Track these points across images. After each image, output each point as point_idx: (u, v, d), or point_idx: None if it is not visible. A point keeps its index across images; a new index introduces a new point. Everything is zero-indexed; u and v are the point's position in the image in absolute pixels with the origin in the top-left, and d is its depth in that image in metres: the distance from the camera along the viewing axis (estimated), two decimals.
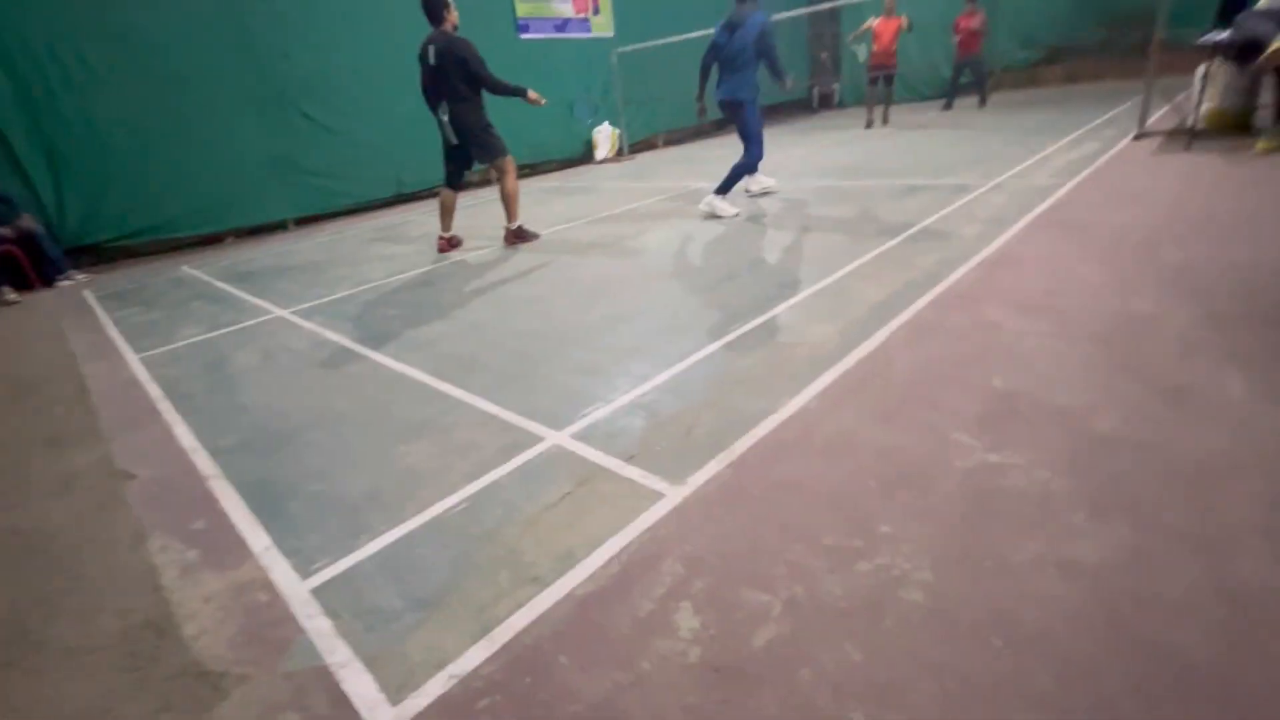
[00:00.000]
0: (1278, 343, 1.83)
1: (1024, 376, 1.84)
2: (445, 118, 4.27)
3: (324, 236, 6.38)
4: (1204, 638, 0.99)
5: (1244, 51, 4.05)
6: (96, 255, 6.12)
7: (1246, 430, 1.47)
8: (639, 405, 2.00)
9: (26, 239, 5.31)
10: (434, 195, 7.85)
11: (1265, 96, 4.60)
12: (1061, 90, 10.16)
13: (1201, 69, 4.75)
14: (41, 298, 5.11)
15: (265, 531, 1.62)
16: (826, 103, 13.62)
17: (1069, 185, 4.01)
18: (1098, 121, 6.39)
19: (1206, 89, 4.76)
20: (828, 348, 2.21)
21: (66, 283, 5.48)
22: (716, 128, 12.02)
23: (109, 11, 5.72)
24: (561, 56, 9.18)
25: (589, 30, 9.42)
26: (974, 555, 1.22)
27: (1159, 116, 5.72)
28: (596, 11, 9.46)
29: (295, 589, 1.39)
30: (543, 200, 6.66)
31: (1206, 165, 4.03)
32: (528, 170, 9.15)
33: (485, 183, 8.40)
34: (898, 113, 9.60)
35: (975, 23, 8.50)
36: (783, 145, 8.51)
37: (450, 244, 4.73)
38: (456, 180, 4.63)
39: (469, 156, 4.51)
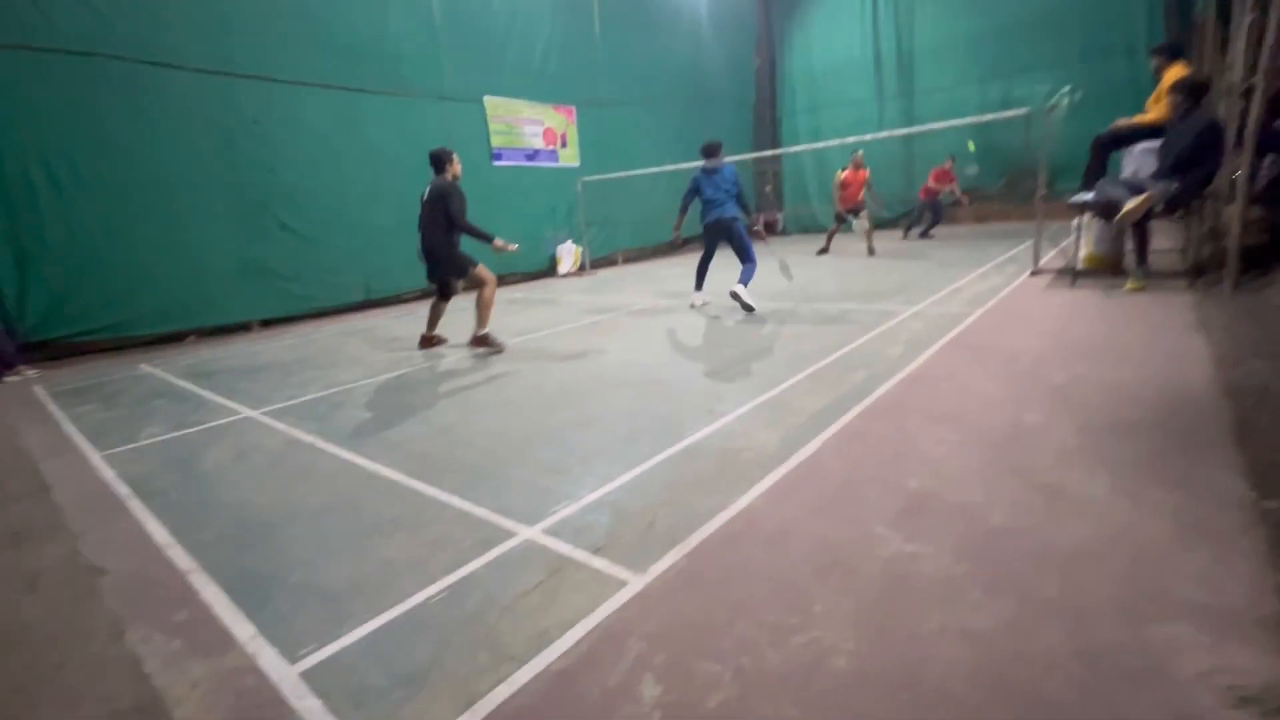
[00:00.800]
0: (1135, 451, 2.22)
1: (934, 478, 2.15)
2: (418, 246, 4.91)
3: (290, 338, 6.52)
4: (1068, 688, 1.23)
5: (1105, 210, 4.91)
6: (48, 351, 6.06)
7: (1106, 523, 1.79)
8: (604, 503, 2.21)
9: None
10: (401, 301, 8.14)
11: (1129, 245, 5.48)
12: (973, 228, 11.57)
13: (1077, 220, 5.65)
14: None
15: (250, 621, 1.71)
16: (771, 230, 14.96)
17: (976, 313, 4.61)
18: (1001, 258, 7.34)
19: (1083, 236, 5.65)
20: (770, 452, 2.50)
21: (15, 378, 5.39)
22: (670, 250, 13.00)
23: (103, 122, 6.09)
24: (531, 182, 10.03)
25: (556, 160, 10.36)
26: (890, 628, 1.45)
27: (1050, 257, 6.65)
28: (564, 145, 10.46)
29: (284, 672, 1.49)
30: (509, 310, 7.03)
31: (1087, 300, 4.73)
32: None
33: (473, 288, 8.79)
34: (838, 241, 10.65)
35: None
36: (730, 267, 9.28)
37: (430, 342, 5.22)
38: (446, 294, 5.20)
39: (443, 279, 5.07)
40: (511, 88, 9.62)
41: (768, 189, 15.30)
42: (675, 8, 12.22)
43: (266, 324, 7.39)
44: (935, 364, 3.49)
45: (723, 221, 5.70)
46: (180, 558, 2.09)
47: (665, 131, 12.30)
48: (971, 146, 10.65)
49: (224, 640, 1.64)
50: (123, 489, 2.75)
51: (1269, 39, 3.77)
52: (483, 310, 4.90)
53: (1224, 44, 6.60)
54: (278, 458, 3.00)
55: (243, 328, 7.24)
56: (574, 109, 10.60)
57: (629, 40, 11.29)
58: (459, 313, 5.94)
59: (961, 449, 2.36)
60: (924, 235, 10.79)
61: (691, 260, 10.87)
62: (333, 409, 3.72)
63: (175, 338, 6.81)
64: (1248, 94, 4.54)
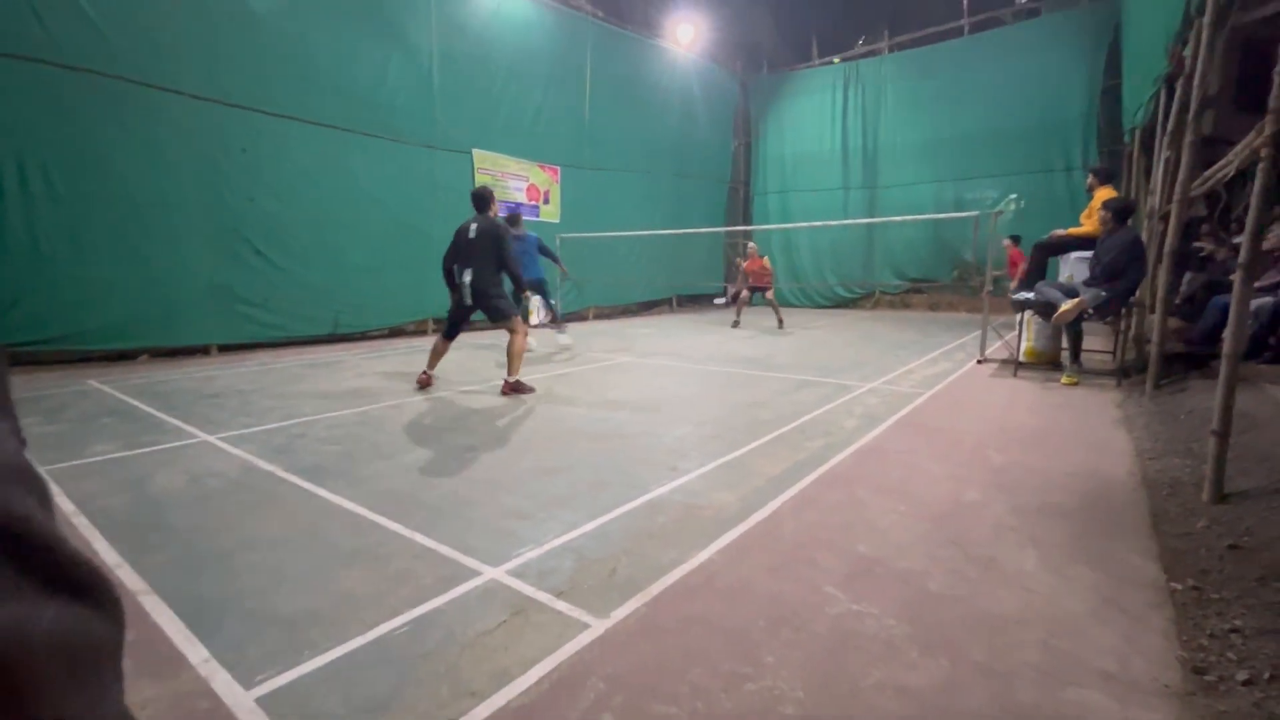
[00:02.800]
0: (1062, 531, 2.41)
1: (881, 545, 2.28)
2: (467, 280, 4.89)
3: (250, 365, 6.40)
4: None
5: (1043, 310, 5.35)
6: None
7: (1033, 595, 1.94)
8: (568, 548, 2.27)
9: None
10: (367, 339, 8.11)
11: (1065, 343, 5.94)
12: (925, 315, 12.24)
13: (1019, 316, 6.11)
14: None
15: (203, 645, 1.69)
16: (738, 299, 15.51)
17: (926, 395, 4.90)
18: (950, 346, 7.80)
19: (1024, 332, 6.10)
20: (730, 512, 2.61)
21: None
22: (643, 308, 13.34)
23: (85, 135, 6.09)
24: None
25: (538, 215, 10.67)
26: (835, 680, 1.54)
27: (995, 347, 7.11)
28: (546, 201, 10.81)
29: (239, 698, 1.48)
30: (479, 357, 7.08)
31: (1026, 390, 5.08)
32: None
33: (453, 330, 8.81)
34: (791, 315, 11.13)
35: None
36: (699, 332, 9.62)
37: (428, 381, 5.22)
38: (453, 334, 5.25)
39: (468, 316, 5.13)
40: (501, 144, 10.00)
41: (737, 261, 15.94)
42: (662, 87, 13.00)
43: (225, 349, 7.24)
44: (886, 439, 3.70)
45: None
46: (130, 578, 2.05)
47: (645, 199, 12.86)
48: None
49: (176, 663, 1.61)
50: (68, 505, 2.67)
51: (1181, 175, 4.30)
52: (514, 359, 4.95)
53: (1148, 171, 7.41)
54: (234, 484, 2.95)
55: (201, 350, 7.08)
56: (559, 169, 11.03)
57: (616, 112, 11.92)
58: (418, 353, 5.95)
59: (907, 520, 2.51)
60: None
61: (661, 322, 11.22)
62: (293, 439, 3.69)
63: (127, 355, 6.61)
64: (1165, 218, 5.12)
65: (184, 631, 1.75)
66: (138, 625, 1.78)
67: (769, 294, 10.17)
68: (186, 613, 1.85)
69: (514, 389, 4.98)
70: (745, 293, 10.32)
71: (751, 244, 10.71)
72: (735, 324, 10.15)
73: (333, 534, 2.40)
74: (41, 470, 0.26)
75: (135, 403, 4.64)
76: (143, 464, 3.23)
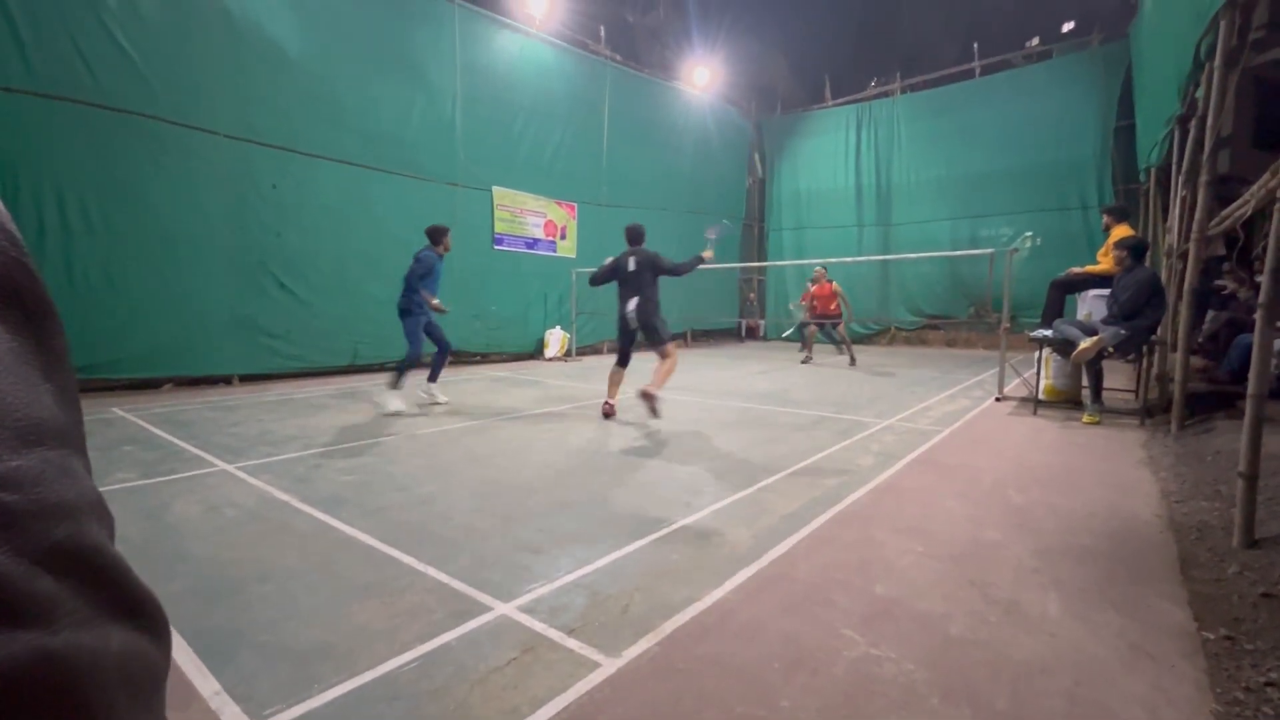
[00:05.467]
0: (1086, 575, 2.34)
1: (899, 585, 2.24)
2: (631, 309, 5.35)
3: (271, 395, 6.50)
4: None
5: (1062, 348, 5.29)
6: None
7: (1057, 641, 1.88)
8: (580, 585, 2.25)
9: None
10: (386, 370, 8.20)
11: (1085, 381, 5.85)
12: (943, 352, 12.14)
13: (1038, 354, 6.05)
14: None
15: (214, 677, 1.69)
16: (753, 334, 15.55)
17: (944, 432, 4.83)
18: (969, 383, 7.72)
19: (1043, 369, 6.03)
20: (744, 549, 2.57)
21: None
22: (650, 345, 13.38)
23: (122, 173, 6.35)
24: (528, 268, 10.47)
25: (554, 250, 10.86)
26: None
27: (1014, 385, 7.02)
28: (563, 237, 11.01)
29: None
30: (494, 389, 7.12)
31: (1046, 428, 4.99)
32: (479, 359, 9.81)
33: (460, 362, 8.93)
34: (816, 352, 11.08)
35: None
36: (715, 366, 9.62)
37: (612, 410, 5.46)
38: (625, 362, 5.60)
39: (633, 341, 5.55)
40: (520, 181, 10.25)
41: (751, 296, 16.03)
42: (677, 127, 13.30)
43: (247, 379, 7.37)
44: (903, 477, 3.64)
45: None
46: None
47: (660, 235, 12.96)
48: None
49: (186, 694, 1.61)
50: None
51: (1198, 214, 4.29)
52: (662, 376, 5.17)
53: (1165, 209, 7.39)
54: (251, 514, 2.98)
55: (223, 380, 7.21)
56: (576, 206, 11.25)
57: (633, 151, 12.20)
58: (462, 382, 6.00)
59: (925, 560, 2.46)
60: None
61: (686, 355, 11.22)
62: (311, 469, 3.72)
63: (152, 384, 6.75)
64: (1184, 256, 5.08)
65: (196, 662, 1.75)
66: None
67: (840, 327, 9.74)
68: (199, 644, 1.85)
69: (647, 398, 4.96)
70: (813, 327, 9.88)
71: (820, 267, 10.06)
72: (805, 360, 9.91)
73: (347, 566, 2.40)
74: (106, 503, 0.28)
75: (157, 431, 4.72)
76: (161, 492, 3.28)
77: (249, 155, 7.24)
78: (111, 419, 5.19)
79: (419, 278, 5.58)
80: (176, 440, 4.43)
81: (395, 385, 5.60)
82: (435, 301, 5.66)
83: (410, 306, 5.59)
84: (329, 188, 7.94)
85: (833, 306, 9.79)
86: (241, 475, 3.60)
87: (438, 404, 5.88)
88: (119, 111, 6.30)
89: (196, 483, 3.46)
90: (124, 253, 6.42)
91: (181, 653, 1.80)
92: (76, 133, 6.08)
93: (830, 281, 9.86)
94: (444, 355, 5.92)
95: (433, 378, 5.92)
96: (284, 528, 2.80)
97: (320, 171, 7.85)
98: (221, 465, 3.80)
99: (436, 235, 5.90)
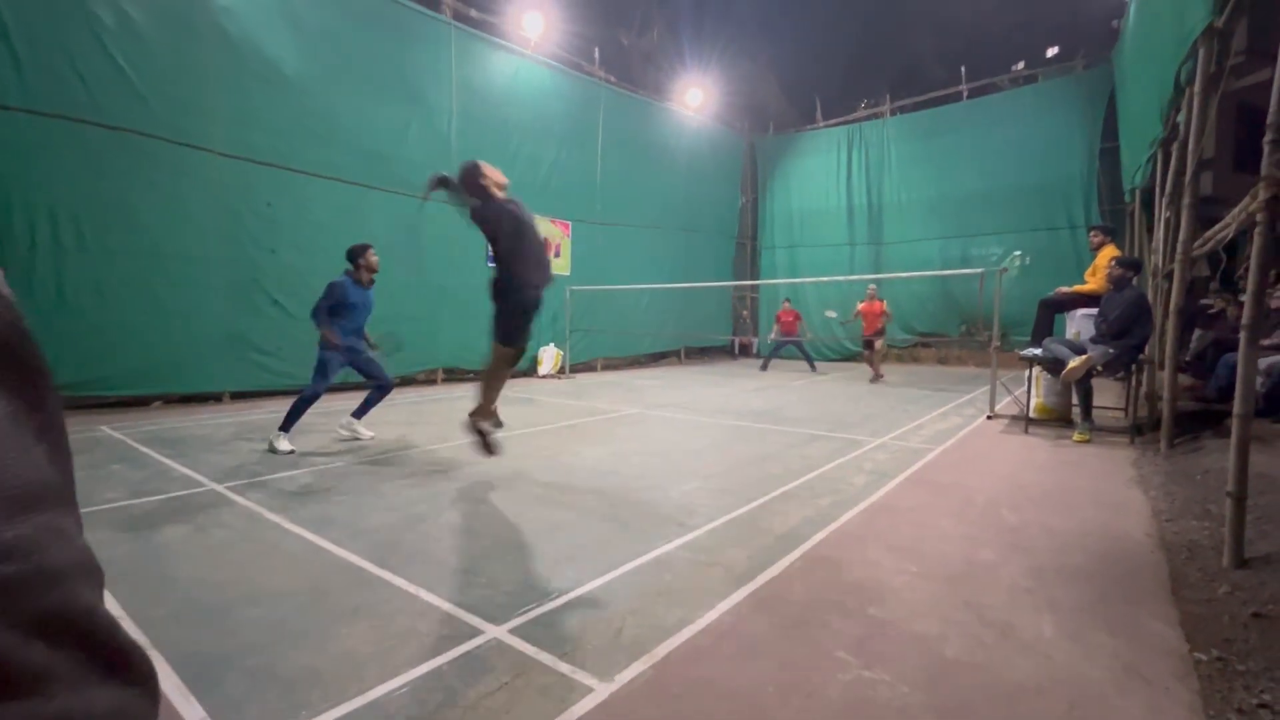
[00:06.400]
0: (1079, 595, 2.34)
1: (893, 607, 2.23)
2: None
3: (261, 413, 6.45)
4: None
5: (1051, 366, 5.34)
6: None
7: (1051, 663, 1.88)
8: (573, 607, 2.23)
9: None
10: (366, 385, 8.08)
11: (1075, 399, 5.90)
12: (934, 370, 12.20)
13: (1028, 372, 6.10)
14: None
15: (200, 703, 1.66)
16: (745, 351, 15.60)
17: (936, 451, 4.85)
18: (960, 401, 7.76)
19: (1034, 387, 6.07)
20: (738, 570, 2.56)
21: None
22: (652, 360, 13.42)
23: (116, 191, 6.34)
24: None
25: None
26: None
27: (1005, 403, 7.06)
28: (557, 255, 11.05)
29: None
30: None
31: (1038, 446, 5.02)
32: (473, 376, 9.78)
33: (453, 380, 8.89)
34: (800, 367, 11.15)
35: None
36: (708, 384, 9.64)
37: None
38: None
39: None
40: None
41: (745, 314, 16.11)
42: (671, 147, 13.45)
43: (237, 396, 7.31)
44: (897, 496, 3.65)
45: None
46: (130, 631, 2.01)
47: (654, 253, 13.11)
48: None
49: None
50: None
51: (1182, 236, 4.37)
52: (480, 391, 3.95)
53: (1150, 230, 7.52)
54: (240, 535, 2.94)
55: (213, 398, 7.15)
56: (570, 224, 11.31)
57: (627, 170, 12.31)
58: (456, 400, 5.94)
59: (920, 580, 2.46)
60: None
61: (669, 373, 11.25)
62: (302, 488, 3.68)
63: (140, 402, 6.69)
64: (1170, 276, 5.16)
65: (181, 689, 1.72)
66: None
67: (878, 343, 9.93)
68: (185, 669, 1.82)
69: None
70: (878, 342, 10.00)
71: (871, 285, 10.30)
72: (876, 378, 9.90)
73: (336, 588, 2.37)
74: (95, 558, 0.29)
75: (145, 450, 4.67)
76: (149, 513, 3.23)
77: (244, 173, 7.26)
78: (100, 437, 5.13)
79: (321, 310, 4.80)
80: (165, 459, 4.38)
81: (283, 426, 4.70)
82: (327, 332, 4.77)
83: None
84: (324, 205, 7.96)
85: (879, 325, 10.01)
86: (231, 495, 3.56)
87: (359, 439, 5.13)
88: (114, 129, 6.31)
89: (185, 503, 3.42)
90: (116, 269, 6.39)
91: (167, 679, 1.77)
92: (70, 149, 6.08)
93: (881, 300, 10.10)
94: (382, 394, 5.22)
95: (358, 413, 5.22)
96: (273, 549, 2.77)
97: (315, 189, 7.87)
98: (210, 485, 3.76)
99: (353, 255, 5.08)
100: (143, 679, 0.28)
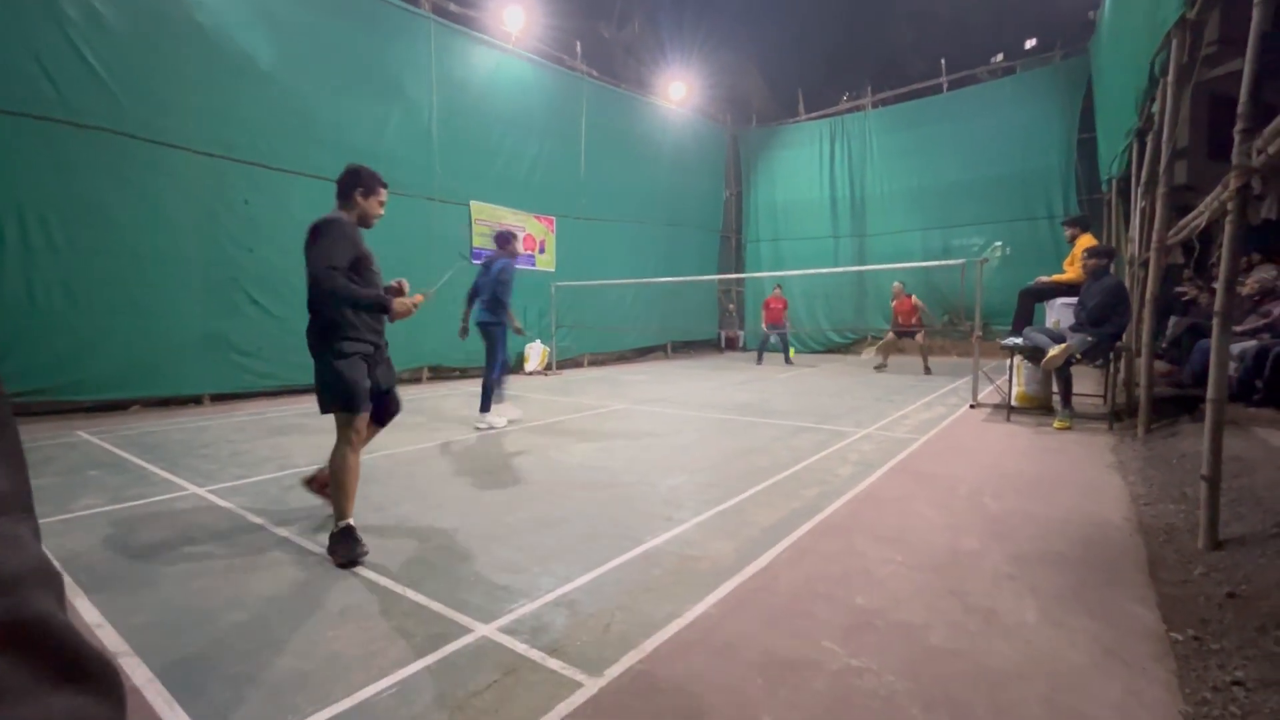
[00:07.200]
0: (1060, 580, 2.38)
1: (879, 596, 2.25)
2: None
3: (243, 415, 6.37)
4: None
5: (1032, 355, 5.41)
6: None
7: (1033, 648, 1.91)
8: (561, 603, 2.23)
9: None
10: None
11: (1055, 387, 5.99)
12: (918, 360, 12.30)
13: (1009, 361, 6.18)
14: None
15: (184, 710, 1.64)
16: (732, 345, 15.65)
17: (920, 440, 4.90)
18: (944, 390, 7.85)
19: (1015, 376, 6.15)
20: (726, 563, 2.58)
21: None
22: (638, 355, 13.41)
23: (87, 190, 6.20)
24: None
25: (533, 264, 10.84)
26: None
27: (987, 391, 7.14)
28: (542, 251, 11.00)
29: None
30: (472, 404, 7.05)
31: (1020, 434, 5.09)
32: (458, 373, 9.72)
33: (439, 378, 8.82)
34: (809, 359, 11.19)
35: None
36: (694, 378, 9.66)
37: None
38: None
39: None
40: (497, 195, 10.23)
41: (731, 307, 16.15)
42: (654, 140, 13.43)
43: (218, 398, 7.21)
44: (882, 486, 3.68)
45: (480, 325, 5.71)
46: (111, 639, 1.99)
47: (638, 248, 13.09)
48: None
49: None
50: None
51: (1157, 224, 4.44)
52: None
53: (1127, 218, 7.64)
54: (223, 539, 2.90)
55: (193, 400, 7.04)
56: (554, 219, 11.26)
57: (611, 164, 12.26)
58: (441, 399, 5.90)
59: (904, 570, 2.49)
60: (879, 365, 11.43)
61: (656, 368, 11.25)
62: (285, 491, 3.64)
63: (119, 406, 6.57)
64: (1146, 264, 5.25)
65: (165, 695, 1.70)
66: None
67: (920, 336, 10.17)
68: (168, 676, 1.79)
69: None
70: (891, 335, 10.41)
71: (897, 282, 10.68)
72: (927, 371, 10.04)
73: (322, 591, 2.35)
74: (53, 563, 0.28)
75: (124, 454, 4.59)
76: (129, 518, 3.18)
77: (220, 170, 7.13)
78: (76, 442, 5.04)
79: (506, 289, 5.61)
80: (145, 463, 4.31)
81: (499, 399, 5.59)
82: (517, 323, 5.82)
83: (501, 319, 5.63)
84: (303, 203, 7.83)
85: (914, 320, 10.29)
86: (213, 499, 3.51)
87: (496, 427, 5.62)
88: (83, 127, 6.17)
89: (166, 507, 3.37)
90: (88, 270, 6.26)
91: (149, 685, 1.74)
92: (38, 149, 5.94)
93: (910, 295, 10.40)
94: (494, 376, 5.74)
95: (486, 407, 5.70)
96: (257, 552, 2.74)
97: (294, 187, 7.75)
98: (192, 489, 3.71)
99: (504, 241, 5.89)
100: (105, 686, 0.28)
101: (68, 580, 2.44)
